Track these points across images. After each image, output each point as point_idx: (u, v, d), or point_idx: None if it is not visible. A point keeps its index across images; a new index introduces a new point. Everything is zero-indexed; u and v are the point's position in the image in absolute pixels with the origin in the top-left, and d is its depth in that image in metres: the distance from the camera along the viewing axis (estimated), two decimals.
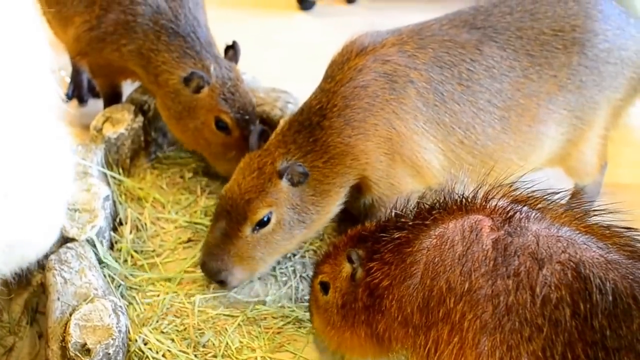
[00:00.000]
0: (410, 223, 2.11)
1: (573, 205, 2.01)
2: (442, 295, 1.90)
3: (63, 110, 2.43)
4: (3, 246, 2.16)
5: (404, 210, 2.22)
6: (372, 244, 2.20)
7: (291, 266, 2.88)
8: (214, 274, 2.69)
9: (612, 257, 1.79)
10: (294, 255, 2.92)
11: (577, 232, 1.87)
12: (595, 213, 1.95)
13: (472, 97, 2.64)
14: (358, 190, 2.78)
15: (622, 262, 1.78)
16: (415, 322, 1.98)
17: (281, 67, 4.03)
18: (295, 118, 2.72)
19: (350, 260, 2.21)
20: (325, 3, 4.85)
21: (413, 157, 2.66)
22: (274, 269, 2.85)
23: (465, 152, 2.68)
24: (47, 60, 2.30)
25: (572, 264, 1.76)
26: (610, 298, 1.70)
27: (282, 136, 2.70)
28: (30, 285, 2.67)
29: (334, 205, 2.73)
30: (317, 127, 2.64)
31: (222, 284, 2.71)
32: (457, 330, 1.85)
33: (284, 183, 2.62)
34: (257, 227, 2.64)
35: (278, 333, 2.62)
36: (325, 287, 2.35)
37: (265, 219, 2.63)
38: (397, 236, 2.10)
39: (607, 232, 1.89)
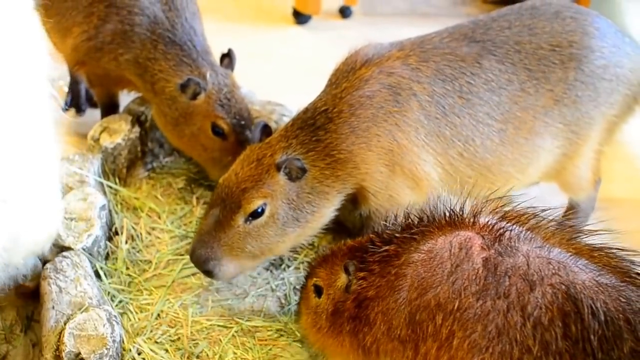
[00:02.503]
0: (399, 236, 2.11)
1: (565, 224, 2.00)
2: (430, 311, 1.89)
3: (58, 117, 2.43)
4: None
5: (393, 222, 2.21)
6: (362, 254, 2.20)
7: (285, 278, 2.87)
8: (202, 262, 2.64)
9: (603, 279, 1.78)
10: (289, 266, 2.92)
11: (568, 254, 1.86)
12: (587, 233, 1.95)
13: (472, 110, 2.65)
14: (354, 202, 2.79)
15: (613, 284, 1.77)
16: (402, 336, 1.97)
17: (277, 81, 4.04)
18: (299, 116, 2.72)
19: (347, 272, 2.20)
20: (321, 17, 4.88)
21: (413, 169, 2.66)
22: (268, 280, 2.85)
23: (464, 164, 2.69)
24: (46, 68, 2.30)
25: (563, 286, 1.75)
26: (602, 320, 1.69)
27: (284, 131, 2.70)
28: (25, 293, 2.66)
29: (329, 209, 2.71)
30: (322, 128, 2.64)
31: (209, 274, 2.67)
32: (446, 349, 1.84)
33: (281, 176, 2.61)
34: (250, 218, 2.61)
35: (272, 345, 2.61)
36: (318, 290, 2.33)
37: (259, 210, 2.61)
38: (384, 248, 2.09)
39: (599, 253, 1.88)
